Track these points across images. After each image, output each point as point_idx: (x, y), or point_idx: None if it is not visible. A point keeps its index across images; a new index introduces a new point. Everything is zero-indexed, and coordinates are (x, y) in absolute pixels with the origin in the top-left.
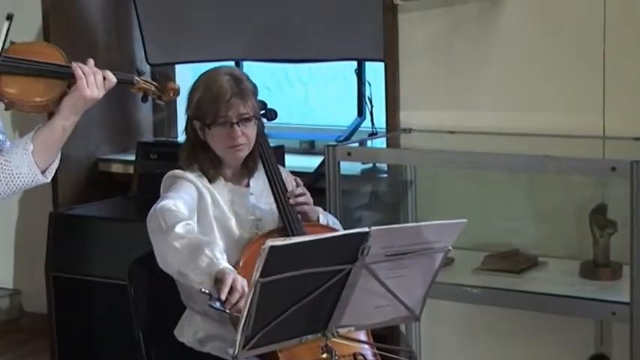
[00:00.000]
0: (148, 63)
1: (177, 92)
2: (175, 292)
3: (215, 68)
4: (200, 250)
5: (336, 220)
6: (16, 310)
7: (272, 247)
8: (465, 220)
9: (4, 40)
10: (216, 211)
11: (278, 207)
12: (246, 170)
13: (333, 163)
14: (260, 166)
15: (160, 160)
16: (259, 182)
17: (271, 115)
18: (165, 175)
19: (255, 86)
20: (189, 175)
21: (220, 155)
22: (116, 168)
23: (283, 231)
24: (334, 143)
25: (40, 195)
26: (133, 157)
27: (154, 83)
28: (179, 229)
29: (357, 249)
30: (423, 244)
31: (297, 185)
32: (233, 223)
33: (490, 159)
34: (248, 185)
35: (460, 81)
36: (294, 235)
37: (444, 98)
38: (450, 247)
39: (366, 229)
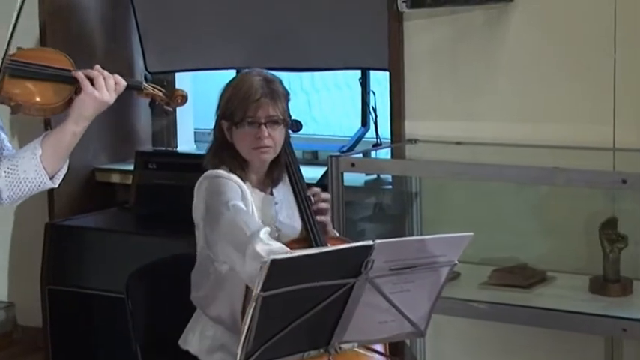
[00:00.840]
0: (147, 71)
1: (185, 99)
2: (175, 305)
3: (245, 72)
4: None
5: None
6: (10, 323)
7: (274, 261)
8: (471, 234)
9: (9, 42)
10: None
11: (302, 217)
12: (270, 179)
13: (337, 175)
14: (284, 178)
15: (159, 171)
16: (280, 194)
17: (296, 126)
18: (204, 175)
19: (287, 91)
20: (232, 175)
21: (246, 157)
22: (114, 178)
23: (305, 241)
24: (337, 154)
25: (36, 205)
26: (131, 167)
27: (161, 89)
28: (263, 234)
29: (361, 263)
30: (429, 258)
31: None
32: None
33: (497, 171)
34: (272, 194)
35: (467, 90)
36: (317, 245)
37: (450, 108)
38: (456, 261)
39: (370, 242)
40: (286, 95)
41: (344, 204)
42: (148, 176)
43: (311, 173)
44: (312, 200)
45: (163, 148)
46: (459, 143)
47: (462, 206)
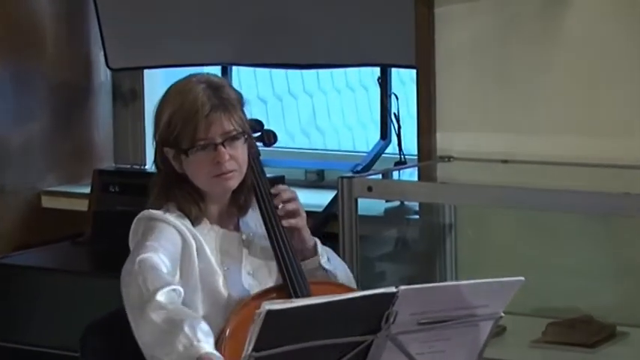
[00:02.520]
0: (108, 67)
1: None
2: None
3: (186, 78)
4: (179, 327)
5: (341, 262)
6: None
7: (270, 312)
8: (521, 278)
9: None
10: (202, 264)
11: (277, 256)
12: (235, 208)
13: (349, 201)
14: (253, 204)
15: (123, 194)
16: (250, 225)
17: (269, 137)
18: (138, 216)
19: (239, 94)
20: (170, 217)
21: (204, 188)
22: (65, 204)
23: (282, 290)
24: (350, 174)
25: None
26: (87, 190)
27: None
28: (161, 296)
29: (381, 315)
30: (467, 310)
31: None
32: (220, 279)
33: (554, 197)
34: (237, 229)
35: (515, 95)
36: (297, 296)
37: (493, 117)
38: (502, 313)
39: (393, 290)
40: (240, 99)
41: (358, 238)
42: (109, 201)
43: (315, 199)
44: (278, 207)
45: (128, 166)
46: (504, 161)
47: (508, 242)
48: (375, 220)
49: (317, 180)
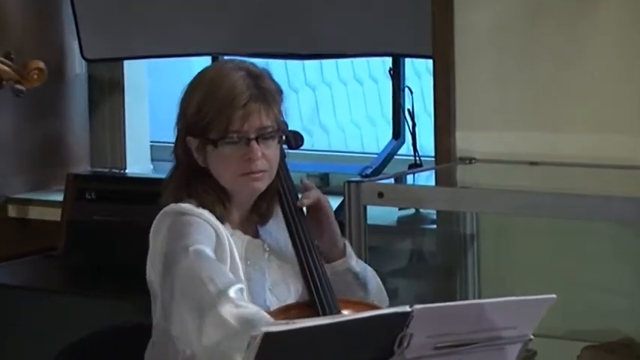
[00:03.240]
0: (83, 58)
1: (43, 74)
2: None
3: (223, 61)
4: (251, 326)
5: (370, 269)
6: None
7: (267, 335)
8: (552, 296)
9: None
10: (231, 268)
11: (303, 270)
12: (256, 215)
13: (357, 208)
14: (277, 212)
15: (101, 202)
16: (273, 235)
17: (296, 139)
18: (164, 210)
19: (280, 88)
20: (204, 212)
21: (229, 187)
22: (35, 213)
23: (308, 307)
24: (358, 179)
25: None
26: (60, 197)
27: (7, 61)
28: (233, 293)
29: (394, 338)
30: (491, 332)
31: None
32: (244, 291)
33: (590, 203)
34: (257, 236)
35: (545, 88)
36: (324, 314)
37: (520, 113)
38: (531, 336)
39: (407, 309)
40: (280, 94)
41: (367, 250)
42: (85, 210)
43: None
44: (304, 202)
45: (106, 170)
46: (533, 163)
47: (537, 255)
48: (387, 230)
49: (321, 185)
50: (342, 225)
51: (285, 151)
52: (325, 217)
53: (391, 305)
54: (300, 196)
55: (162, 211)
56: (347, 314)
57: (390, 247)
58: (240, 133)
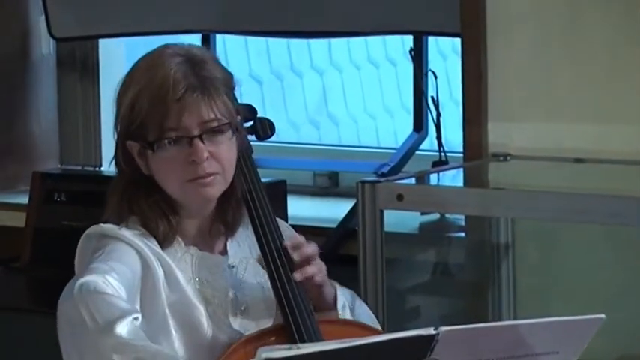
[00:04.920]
0: (51, 36)
1: None
2: None
3: (160, 47)
4: None
5: (366, 308)
6: None
7: None
8: (601, 316)
9: None
10: (174, 296)
11: (275, 288)
12: (221, 225)
13: (372, 213)
14: (246, 219)
15: (71, 205)
16: (243, 247)
17: (264, 128)
18: (86, 232)
19: (228, 73)
20: (126, 233)
21: (176, 197)
22: None
23: (283, 331)
24: (373, 178)
25: None
26: (24, 200)
27: None
28: (121, 329)
29: None
30: (528, 357)
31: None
32: (202, 315)
33: None
34: (225, 252)
35: (592, 73)
36: (302, 339)
37: (563, 102)
38: None
39: (431, 331)
40: (228, 80)
41: (384, 262)
42: (53, 214)
43: (327, 211)
44: (291, 255)
45: (79, 168)
46: (579, 160)
47: (582, 267)
48: (407, 239)
49: (329, 186)
50: (354, 233)
51: (253, 144)
52: (318, 286)
53: (412, 327)
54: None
55: (84, 233)
56: (359, 338)
57: (411, 258)
58: (178, 131)
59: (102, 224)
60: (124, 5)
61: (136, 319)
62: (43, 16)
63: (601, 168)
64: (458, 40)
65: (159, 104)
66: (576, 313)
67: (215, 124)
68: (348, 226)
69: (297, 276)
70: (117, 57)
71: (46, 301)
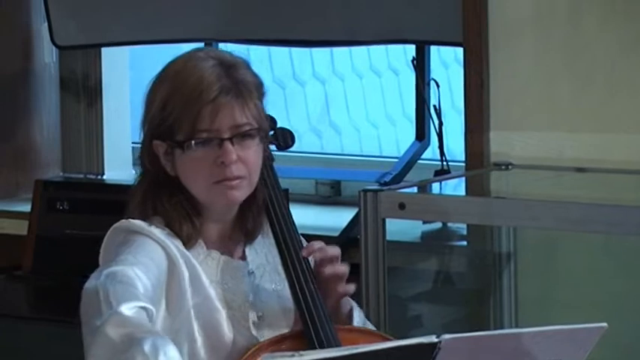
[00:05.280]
0: (54, 44)
1: None
2: None
3: (192, 51)
4: (137, 346)
5: (371, 326)
6: None
7: None
8: (604, 325)
9: None
10: (197, 297)
11: (295, 294)
12: (241, 232)
13: (374, 222)
14: (265, 228)
15: (73, 213)
16: (260, 255)
17: (285, 138)
18: (114, 226)
19: (259, 79)
20: (155, 230)
21: (201, 198)
22: None
23: (301, 338)
24: (376, 187)
25: None
26: (27, 207)
27: None
28: (126, 310)
29: None
30: None
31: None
32: (224, 319)
33: None
34: (243, 257)
35: (594, 83)
36: (321, 345)
37: (565, 111)
38: None
39: (433, 339)
40: (260, 86)
41: (386, 271)
42: (56, 222)
43: (329, 219)
44: (312, 263)
45: (81, 176)
46: (580, 170)
47: (584, 276)
48: (409, 248)
49: (332, 194)
50: (356, 241)
51: (274, 153)
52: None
53: (414, 335)
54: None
55: (112, 227)
56: (361, 346)
57: (413, 266)
58: (210, 132)
59: (131, 219)
60: (126, 14)
61: (144, 309)
62: (46, 24)
63: (602, 177)
64: (460, 50)
65: (192, 105)
66: (578, 322)
67: (246, 127)
68: (350, 235)
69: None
70: (119, 66)
71: (47, 310)
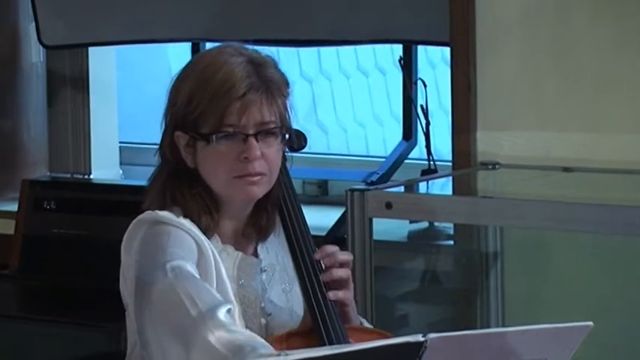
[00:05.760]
0: (41, 44)
1: None
2: None
3: (221, 46)
4: (240, 351)
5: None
6: None
7: None
8: (589, 324)
9: None
10: (218, 288)
11: (306, 293)
12: (254, 230)
13: (361, 221)
14: (277, 228)
15: (61, 212)
16: (271, 253)
17: (299, 140)
18: (138, 218)
19: (286, 79)
20: (184, 221)
21: (221, 192)
22: None
23: (311, 335)
24: (362, 186)
25: None
26: (13, 207)
27: None
28: (222, 314)
29: None
30: None
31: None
32: (237, 314)
33: (632, 216)
34: (256, 255)
35: (581, 82)
36: (331, 342)
37: (552, 111)
38: None
39: (419, 338)
40: (287, 86)
41: (372, 271)
42: (43, 222)
43: (316, 218)
44: (323, 265)
45: (68, 175)
46: (567, 169)
47: (570, 275)
48: (396, 247)
49: (319, 194)
50: (344, 240)
51: (287, 154)
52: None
53: (401, 334)
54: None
55: (136, 218)
56: (351, 344)
57: (400, 266)
58: (236, 127)
59: (157, 211)
60: (114, 14)
61: (229, 310)
62: (33, 24)
63: (589, 177)
64: (447, 50)
65: (221, 99)
66: (564, 321)
67: (272, 125)
68: (337, 234)
69: (325, 277)
70: (107, 65)
71: (34, 309)
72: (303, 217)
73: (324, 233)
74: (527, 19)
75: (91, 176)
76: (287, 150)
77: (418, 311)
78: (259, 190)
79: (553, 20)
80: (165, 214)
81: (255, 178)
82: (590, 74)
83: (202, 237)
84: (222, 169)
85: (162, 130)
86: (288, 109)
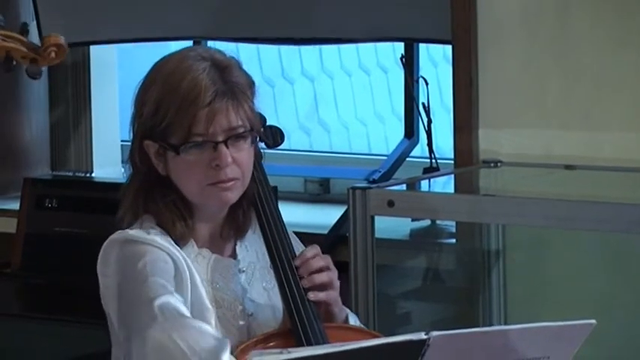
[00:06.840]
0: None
1: (62, 51)
2: None
3: (181, 51)
4: None
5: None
6: None
7: None
8: (592, 322)
9: None
10: (191, 296)
11: (283, 291)
12: (232, 229)
13: (363, 220)
14: (254, 225)
15: (63, 211)
16: (251, 252)
17: (275, 136)
18: (110, 238)
19: (251, 79)
20: (156, 238)
21: (194, 200)
22: None
23: (289, 336)
24: (364, 185)
25: None
26: (15, 205)
27: (17, 35)
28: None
29: None
30: None
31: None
32: (212, 317)
33: (635, 214)
34: (234, 255)
35: (583, 80)
36: (309, 342)
37: (554, 109)
38: None
39: (422, 336)
40: (252, 86)
41: (374, 269)
42: (44, 221)
43: (318, 217)
44: (299, 271)
45: (70, 174)
46: (569, 167)
47: (573, 273)
48: (398, 245)
49: (320, 192)
50: (345, 239)
51: (263, 151)
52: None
53: (403, 332)
54: (292, 239)
55: (108, 239)
56: (350, 343)
57: (402, 264)
58: (205, 136)
59: (128, 230)
60: (114, 12)
61: (228, 349)
62: (34, 23)
63: (591, 174)
64: (449, 47)
65: (187, 108)
66: (567, 319)
67: (241, 129)
68: (339, 233)
69: (306, 283)
70: (108, 63)
71: (36, 307)
72: (279, 213)
73: (326, 231)
74: (529, 17)
75: (93, 175)
76: (263, 147)
77: (420, 309)
78: (233, 195)
79: (554, 18)
80: (135, 233)
81: (229, 184)
82: (592, 71)
83: (175, 250)
84: (195, 178)
85: (131, 138)
86: (255, 108)
